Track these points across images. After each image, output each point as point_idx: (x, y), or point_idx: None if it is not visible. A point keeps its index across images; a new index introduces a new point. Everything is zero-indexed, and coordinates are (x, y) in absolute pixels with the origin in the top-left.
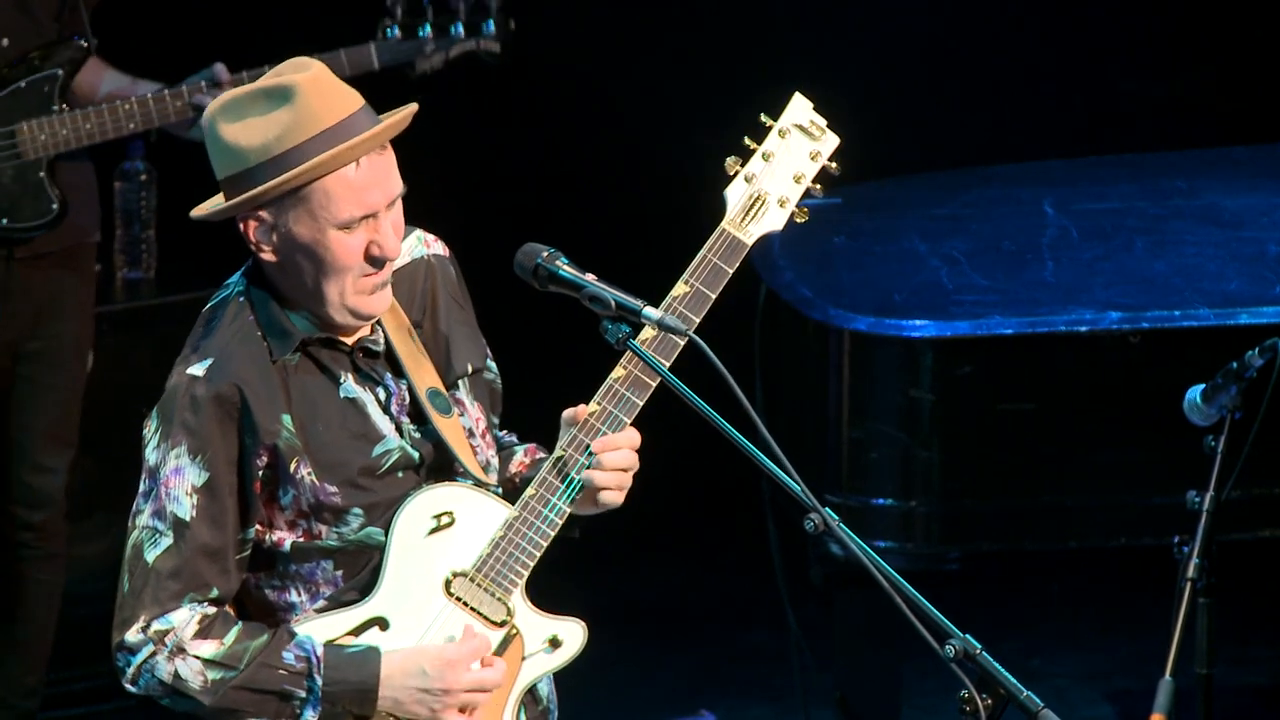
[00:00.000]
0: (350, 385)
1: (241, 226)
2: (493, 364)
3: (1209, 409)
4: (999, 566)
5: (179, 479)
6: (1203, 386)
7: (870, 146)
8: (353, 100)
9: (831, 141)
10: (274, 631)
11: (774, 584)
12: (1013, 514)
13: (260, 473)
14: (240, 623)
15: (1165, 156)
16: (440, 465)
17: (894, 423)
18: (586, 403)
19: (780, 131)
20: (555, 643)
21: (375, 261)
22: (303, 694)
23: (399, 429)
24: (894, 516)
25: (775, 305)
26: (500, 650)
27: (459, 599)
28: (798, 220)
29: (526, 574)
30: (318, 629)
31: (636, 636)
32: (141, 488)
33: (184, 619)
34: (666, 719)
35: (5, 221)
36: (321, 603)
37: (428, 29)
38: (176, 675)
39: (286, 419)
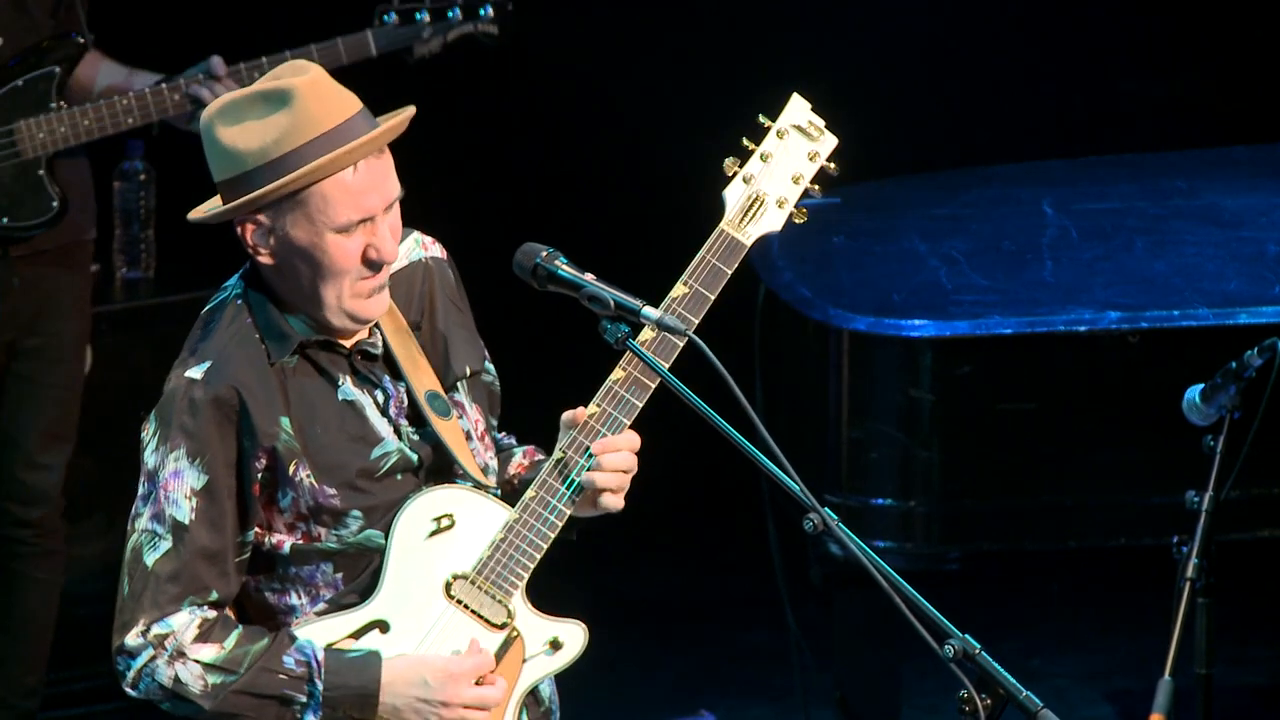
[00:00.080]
0: (348, 388)
1: (239, 229)
2: (491, 366)
3: (1208, 409)
4: (999, 566)
5: (178, 482)
6: (1202, 386)
7: (870, 146)
8: (351, 104)
9: (830, 142)
10: (274, 635)
11: (774, 584)
12: (1012, 514)
13: (259, 475)
14: (240, 626)
15: (1165, 156)
16: (439, 467)
17: (893, 423)
18: (585, 404)
19: (778, 132)
20: (556, 645)
21: (373, 265)
22: (303, 699)
23: (397, 431)
24: (893, 516)
25: (775, 305)
26: (501, 653)
27: (459, 601)
28: (796, 221)
29: (527, 576)
30: (318, 632)
31: (636, 636)
32: (140, 491)
33: (184, 622)
34: (666, 719)
35: (6, 220)
36: (322, 605)
37: (424, 13)
38: (177, 679)
39: (285, 421)
